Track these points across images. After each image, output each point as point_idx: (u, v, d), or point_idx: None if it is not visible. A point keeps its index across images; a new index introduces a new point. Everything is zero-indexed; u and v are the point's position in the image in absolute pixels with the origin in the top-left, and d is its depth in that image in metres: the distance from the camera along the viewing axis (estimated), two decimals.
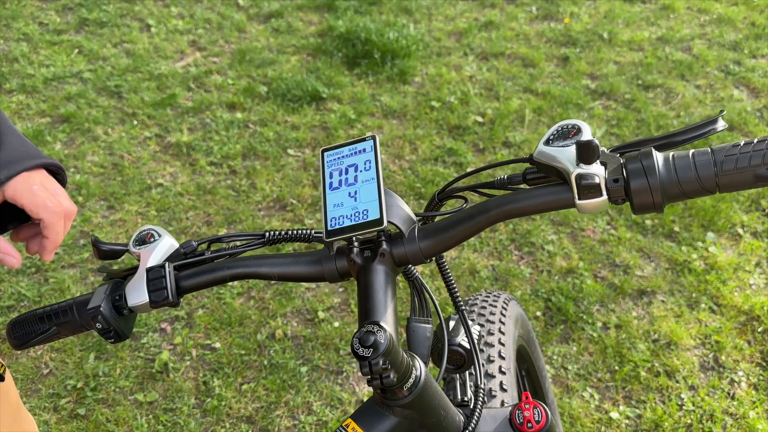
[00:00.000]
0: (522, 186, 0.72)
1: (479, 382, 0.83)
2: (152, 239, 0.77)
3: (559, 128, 0.67)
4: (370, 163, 0.71)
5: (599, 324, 2.08)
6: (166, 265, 0.74)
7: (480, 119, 3.04)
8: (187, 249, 0.77)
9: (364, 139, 0.72)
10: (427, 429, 0.71)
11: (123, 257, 0.86)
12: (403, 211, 0.71)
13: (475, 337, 0.87)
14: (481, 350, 1.13)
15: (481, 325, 1.18)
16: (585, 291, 2.17)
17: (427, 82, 3.31)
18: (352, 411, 1.83)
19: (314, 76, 3.29)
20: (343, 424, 0.69)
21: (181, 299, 0.73)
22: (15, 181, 0.73)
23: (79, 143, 2.85)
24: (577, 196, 0.62)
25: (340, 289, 2.20)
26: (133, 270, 0.77)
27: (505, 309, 1.24)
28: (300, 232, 0.75)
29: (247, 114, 3.06)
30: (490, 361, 1.10)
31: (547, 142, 0.66)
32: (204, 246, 0.78)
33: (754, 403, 1.86)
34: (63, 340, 2.00)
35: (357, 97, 3.15)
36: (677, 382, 1.93)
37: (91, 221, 2.45)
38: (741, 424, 1.81)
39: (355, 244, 0.70)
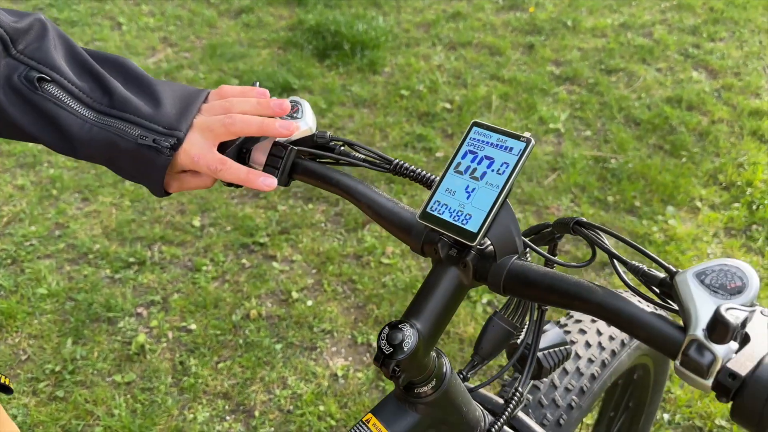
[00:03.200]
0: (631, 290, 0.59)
1: (521, 396, 0.76)
2: (295, 115, 0.74)
3: (722, 270, 0.51)
4: (507, 167, 0.61)
5: None
6: (291, 149, 0.73)
7: (448, 106, 3.11)
8: (318, 139, 0.74)
9: (519, 137, 0.61)
10: (448, 426, 0.69)
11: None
12: (511, 237, 0.61)
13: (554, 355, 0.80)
14: (565, 371, 1.05)
15: (577, 349, 1.07)
16: None
17: (397, 72, 3.38)
18: (326, 384, 1.89)
19: (285, 68, 3.34)
20: (363, 419, 0.66)
21: (289, 183, 0.74)
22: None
23: None
24: (679, 359, 0.49)
25: (314, 271, 2.26)
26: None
27: (622, 348, 1.09)
28: (424, 175, 0.69)
29: None
30: (566, 389, 1.02)
31: (701, 276, 0.51)
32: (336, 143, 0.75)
33: None
34: (41, 326, 2.03)
35: (328, 88, 3.20)
36: None
37: (65, 213, 2.48)
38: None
39: (444, 239, 0.63)
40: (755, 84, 3.19)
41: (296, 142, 0.75)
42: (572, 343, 1.07)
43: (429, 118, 3.03)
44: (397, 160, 0.70)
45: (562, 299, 0.57)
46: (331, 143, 0.75)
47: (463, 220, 0.60)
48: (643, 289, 0.58)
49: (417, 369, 0.61)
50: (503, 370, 0.75)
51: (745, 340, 0.47)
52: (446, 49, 3.60)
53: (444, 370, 0.65)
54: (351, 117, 3.04)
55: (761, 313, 0.48)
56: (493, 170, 0.61)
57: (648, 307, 0.53)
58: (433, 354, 0.63)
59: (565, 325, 1.13)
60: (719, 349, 0.46)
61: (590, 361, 1.06)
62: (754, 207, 2.48)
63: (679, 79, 3.25)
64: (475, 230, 0.59)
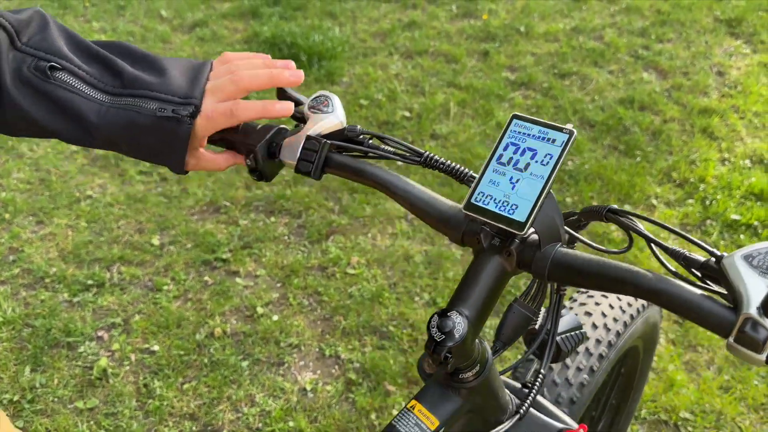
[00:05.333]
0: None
1: (541, 377, 0.78)
2: (326, 109, 0.76)
3: None
4: (551, 158, 0.62)
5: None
6: (325, 143, 0.74)
7: (407, 114, 3.13)
8: (350, 133, 0.75)
9: (561, 129, 0.63)
10: (484, 411, 0.72)
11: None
12: (555, 225, 0.63)
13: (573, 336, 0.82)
14: (576, 352, 1.08)
15: (597, 325, 1.12)
16: None
17: (355, 82, 3.39)
18: (295, 399, 1.87)
19: None
20: (407, 406, 0.67)
21: (322, 176, 0.75)
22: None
23: (2, 161, 2.80)
24: (734, 335, 0.52)
25: (278, 285, 2.23)
26: (297, 123, 0.78)
27: (629, 323, 1.16)
28: (456, 168, 0.71)
29: None
30: (578, 369, 1.07)
31: (748, 258, 0.54)
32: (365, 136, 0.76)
33: (672, 356, 1.99)
34: None
35: None
36: None
37: (19, 237, 2.41)
38: (662, 377, 1.94)
39: (488, 229, 0.64)
40: (703, 83, 3.29)
41: (327, 136, 0.75)
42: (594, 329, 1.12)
43: (389, 127, 3.04)
44: (428, 153, 0.72)
45: (611, 284, 0.59)
46: (360, 136, 0.75)
47: (509, 210, 0.62)
48: (682, 272, 0.61)
49: (465, 355, 0.63)
50: (526, 354, 0.77)
51: None
52: (403, 58, 3.62)
53: (487, 356, 0.68)
54: None
55: None
56: (537, 161, 0.63)
57: (697, 295, 0.55)
58: (477, 341, 0.65)
59: (571, 308, 1.17)
60: None
61: (598, 341, 1.11)
62: (707, 203, 2.56)
63: (631, 81, 3.33)
64: (522, 220, 0.61)
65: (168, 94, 0.68)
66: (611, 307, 1.15)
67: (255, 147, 0.74)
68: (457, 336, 0.59)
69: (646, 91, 3.22)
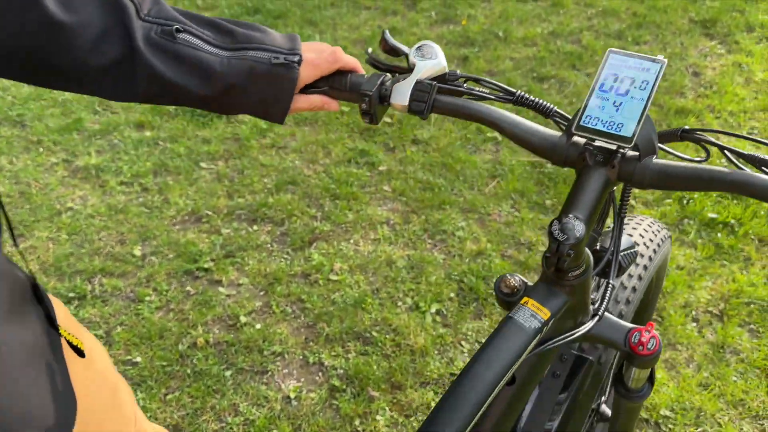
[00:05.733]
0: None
1: (610, 283, 0.91)
2: (430, 56, 0.86)
3: None
4: (647, 84, 0.75)
5: None
6: (435, 86, 0.84)
7: (389, 120, 3.15)
8: (450, 77, 0.87)
9: (654, 60, 0.76)
10: (577, 310, 0.85)
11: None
12: (651, 140, 0.75)
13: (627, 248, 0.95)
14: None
15: (637, 244, 1.22)
16: (494, 270, 2.29)
17: None
18: (279, 408, 1.87)
19: None
20: (521, 302, 0.79)
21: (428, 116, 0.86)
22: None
23: None
24: None
25: (261, 293, 2.24)
26: (400, 70, 0.88)
27: (661, 243, 1.31)
28: (545, 105, 0.83)
29: (156, 132, 3.05)
30: (629, 276, 1.20)
31: None
32: (463, 80, 0.87)
33: None
34: None
35: None
36: None
37: None
38: None
39: (596, 145, 0.76)
40: (680, 83, 3.34)
41: (433, 80, 0.86)
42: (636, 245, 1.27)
43: (371, 133, 3.05)
44: (519, 92, 0.84)
45: (704, 184, 0.71)
46: (460, 80, 0.87)
47: (617, 129, 0.74)
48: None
49: (580, 253, 0.76)
50: (598, 268, 0.89)
51: None
52: None
53: (590, 258, 0.80)
54: (293, 136, 3.03)
55: None
56: (636, 87, 0.75)
57: None
58: (588, 250, 0.78)
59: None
60: None
61: (637, 263, 1.24)
62: (685, 202, 2.59)
63: None
64: (630, 135, 0.73)
65: (277, 47, 0.81)
66: (642, 236, 1.28)
67: (371, 92, 0.84)
68: (577, 235, 0.72)
69: None
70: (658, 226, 1.34)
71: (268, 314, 2.16)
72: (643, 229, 1.29)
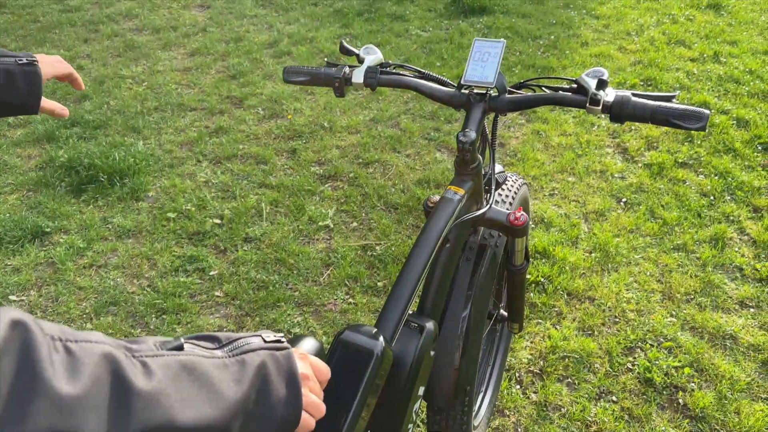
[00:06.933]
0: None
1: (492, 178, 1.48)
2: (372, 53, 1.44)
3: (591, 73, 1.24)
4: (497, 53, 1.30)
5: None
6: (378, 68, 1.42)
7: (219, 221, 3.12)
8: (384, 65, 1.45)
9: (498, 41, 1.31)
10: (476, 196, 1.36)
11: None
12: (504, 85, 1.31)
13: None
14: (505, 182, 1.73)
15: (505, 172, 1.72)
16: None
17: (162, 195, 3.33)
18: None
19: (36, 211, 3.14)
20: (448, 187, 1.28)
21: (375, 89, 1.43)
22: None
23: None
24: (587, 102, 1.20)
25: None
26: (355, 66, 1.44)
27: (521, 181, 1.79)
28: (439, 77, 1.40)
29: None
30: (508, 190, 1.69)
31: (587, 75, 1.23)
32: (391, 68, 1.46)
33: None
34: None
35: (86, 224, 3.05)
36: None
37: None
38: None
39: (475, 91, 1.32)
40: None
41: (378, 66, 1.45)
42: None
43: (200, 237, 3.01)
44: (426, 71, 1.43)
45: (535, 103, 1.28)
46: (392, 66, 1.45)
47: (484, 78, 1.29)
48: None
49: (474, 151, 1.27)
50: (485, 178, 1.49)
51: None
52: (212, 165, 3.64)
53: (480, 159, 1.33)
54: (114, 251, 2.91)
55: None
56: (491, 55, 1.30)
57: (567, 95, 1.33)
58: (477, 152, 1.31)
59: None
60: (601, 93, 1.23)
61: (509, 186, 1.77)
62: None
63: (426, 162, 3.60)
64: (491, 81, 1.29)
65: (16, 57, 1.07)
66: (509, 176, 1.78)
67: (339, 77, 1.41)
68: (472, 137, 1.25)
69: (440, 169, 3.50)
70: (518, 176, 1.83)
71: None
72: (509, 174, 1.80)
